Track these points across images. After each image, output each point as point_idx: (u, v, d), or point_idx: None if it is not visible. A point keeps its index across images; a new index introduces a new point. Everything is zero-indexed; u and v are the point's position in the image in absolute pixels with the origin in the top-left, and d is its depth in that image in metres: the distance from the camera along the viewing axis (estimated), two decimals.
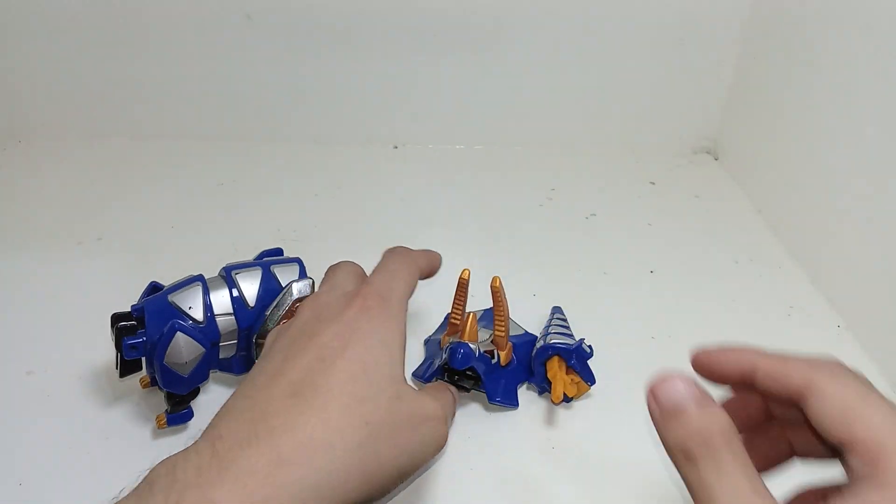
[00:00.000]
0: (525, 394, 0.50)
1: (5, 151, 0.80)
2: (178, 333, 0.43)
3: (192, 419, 0.47)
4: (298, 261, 0.48)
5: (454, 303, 0.49)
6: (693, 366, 0.32)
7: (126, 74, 0.78)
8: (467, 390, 0.49)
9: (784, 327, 0.58)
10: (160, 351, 0.42)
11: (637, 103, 0.83)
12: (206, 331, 0.44)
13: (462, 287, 0.49)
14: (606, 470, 0.46)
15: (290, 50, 0.78)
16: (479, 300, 0.54)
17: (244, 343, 0.46)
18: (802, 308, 0.61)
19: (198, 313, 0.44)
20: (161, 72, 0.79)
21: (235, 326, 0.45)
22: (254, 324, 0.46)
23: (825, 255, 0.63)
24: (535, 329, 0.54)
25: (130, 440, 0.46)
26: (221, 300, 0.45)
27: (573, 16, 0.77)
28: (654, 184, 0.79)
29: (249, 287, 0.46)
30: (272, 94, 0.81)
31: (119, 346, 0.43)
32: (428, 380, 0.49)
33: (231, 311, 0.45)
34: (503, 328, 0.48)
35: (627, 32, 0.78)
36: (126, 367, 0.45)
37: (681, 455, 0.27)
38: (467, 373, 0.48)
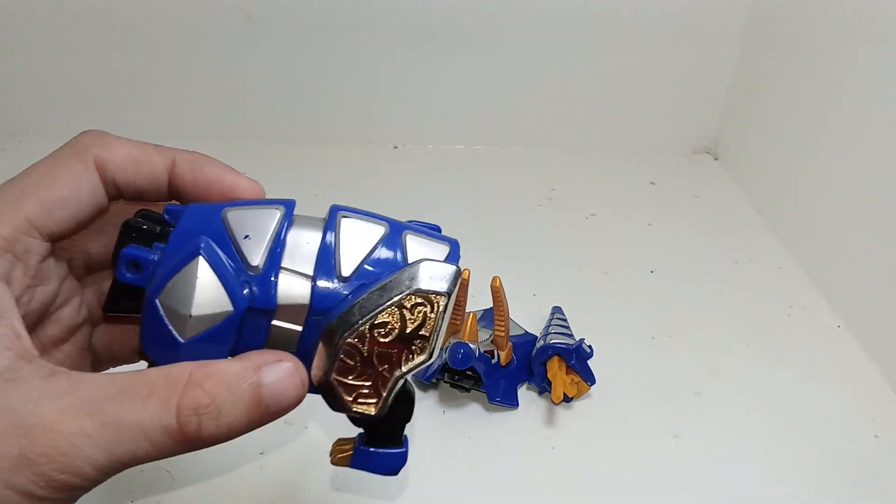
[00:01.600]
0: (525, 394, 0.50)
1: (5, 151, 0.80)
2: (201, 260, 0.26)
3: None
4: (454, 243, 0.30)
5: (454, 303, 0.49)
6: None
7: (126, 75, 0.78)
8: (467, 390, 0.49)
9: (784, 327, 0.58)
10: (159, 279, 0.27)
11: (637, 103, 0.83)
12: (256, 283, 0.27)
13: (462, 287, 0.49)
14: (606, 470, 0.45)
15: (290, 50, 0.78)
16: (479, 300, 0.54)
17: (311, 335, 0.27)
18: (802, 308, 0.61)
19: (255, 251, 0.27)
20: (161, 72, 0.79)
21: (307, 301, 0.27)
22: (336, 307, 0.27)
23: (825, 255, 0.63)
24: (535, 329, 0.54)
25: None
26: (303, 248, 0.28)
27: (573, 16, 0.77)
28: (654, 184, 0.79)
29: (355, 245, 0.28)
30: (272, 94, 0.81)
31: (115, 257, 0.28)
32: (428, 380, 0.49)
33: (310, 270, 0.27)
34: (503, 328, 0.48)
35: (627, 32, 0.78)
36: (117, 294, 0.29)
37: None
38: (467, 373, 0.48)
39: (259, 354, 0.26)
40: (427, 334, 0.27)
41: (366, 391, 0.28)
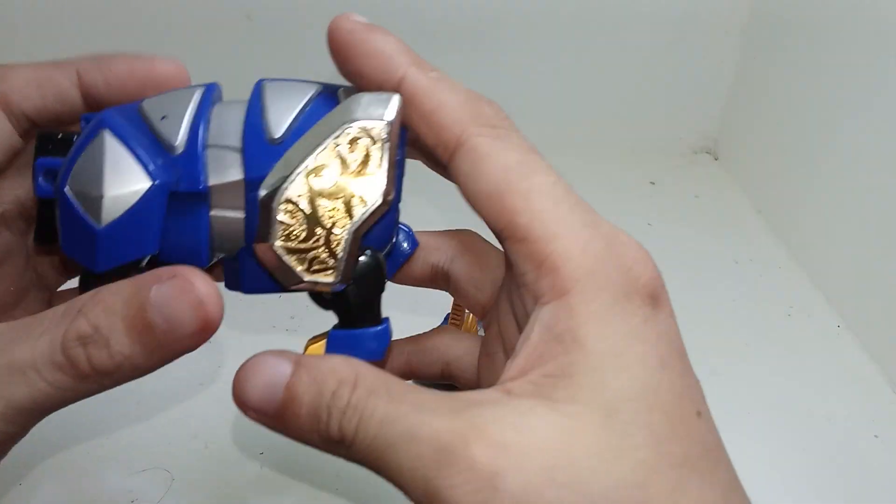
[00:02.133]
0: None
1: None
2: (106, 133, 0.23)
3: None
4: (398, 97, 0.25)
5: (454, 303, 0.49)
6: (331, 44, 0.25)
7: None
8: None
9: (784, 327, 0.58)
10: (66, 167, 0.24)
11: (637, 103, 0.83)
12: (179, 164, 0.24)
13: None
14: None
15: (290, 50, 0.78)
16: None
17: (253, 217, 0.24)
18: (802, 308, 0.61)
19: (174, 130, 0.24)
20: None
21: (241, 175, 0.24)
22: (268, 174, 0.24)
23: (825, 255, 0.63)
24: None
25: (131, 438, 0.46)
26: (229, 122, 0.25)
27: (573, 16, 0.77)
28: (654, 184, 0.79)
29: (284, 105, 0.25)
30: None
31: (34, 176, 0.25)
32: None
33: (239, 142, 0.24)
34: None
35: (627, 32, 0.78)
36: (45, 220, 0.26)
37: (326, 443, 0.22)
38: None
39: (155, 272, 0.23)
40: (373, 170, 0.23)
41: (320, 254, 0.24)
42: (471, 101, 0.24)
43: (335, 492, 0.43)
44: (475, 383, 0.31)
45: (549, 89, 0.81)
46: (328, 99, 0.25)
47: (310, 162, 0.23)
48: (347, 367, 0.22)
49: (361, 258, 0.25)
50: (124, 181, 0.23)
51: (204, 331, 0.22)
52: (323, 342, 0.26)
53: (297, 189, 0.23)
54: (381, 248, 0.26)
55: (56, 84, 0.26)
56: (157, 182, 0.23)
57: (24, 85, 0.26)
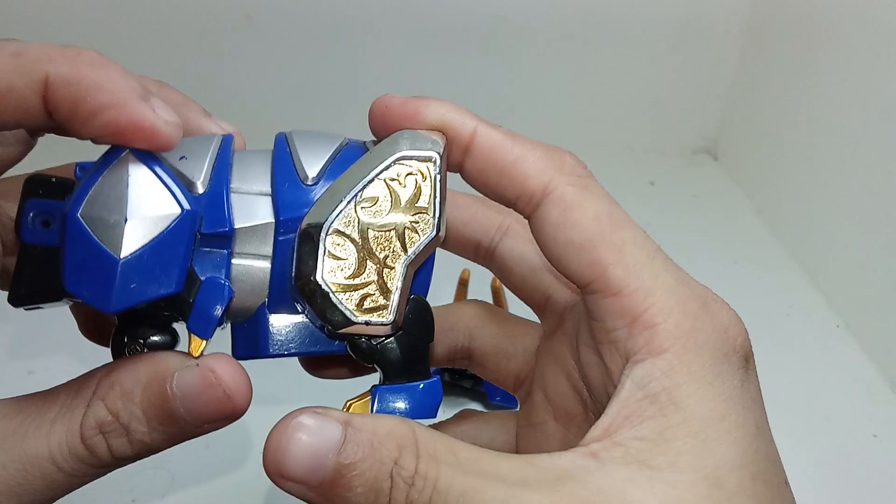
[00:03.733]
0: None
1: None
2: (130, 157, 0.21)
3: None
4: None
5: (454, 303, 0.49)
6: (378, 121, 0.23)
7: None
8: (467, 390, 0.49)
9: (784, 327, 0.58)
10: (77, 194, 0.20)
11: (637, 103, 0.83)
12: (203, 203, 0.22)
13: (462, 287, 0.49)
14: None
15: (290, 50, 0.78)
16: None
17: (285, 265, 0.22)
18: (802, 308, 0.61)
19: (196, 169, 0.22)
20: (160, 72, 0.78)
21: (270, 217, 0.22)
22: (308, 211, 0.22)
23: (825, 255, 0.63)
24: None
25: None
26: (253, 167, 0.23)
27: (573, 16, 0.77)
28: (653, 184, 0.79)
29: (315, 150, 0.23)
30: (272, 95, 0.81)
31: (18, 220, 0.22)
32: None
33: (267, 187, 0.22)
34: None
35: (627, 32, 0.78)
36: (25, 274, 0.22)
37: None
38: (467, 372, 0.48)
39: (175, 355, 0.21)
40: (426, 204, 0.22)
41: (372, 291, 0.22)
42: (551, 151, 0.23)
43: None
44: (495, 377, 0.29)
45: (548, 89, 0.81)
46: (357, 147, 0.24)
47: (359, 194, 0.22)
48: (406, 429, 0.19)
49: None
50: (152, 205, 0.20)
51: (230, 419, 0.21)
52: (366, 400, 0.23)
53: (347, 220, 0.21)
54: (424, 294, 0.24)
55: (16, 96, 0.20)
56: (188, 209, 0.20)
57: None
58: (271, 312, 0.22)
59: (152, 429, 0.21)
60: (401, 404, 0.23)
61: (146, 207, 0.20)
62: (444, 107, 0.23)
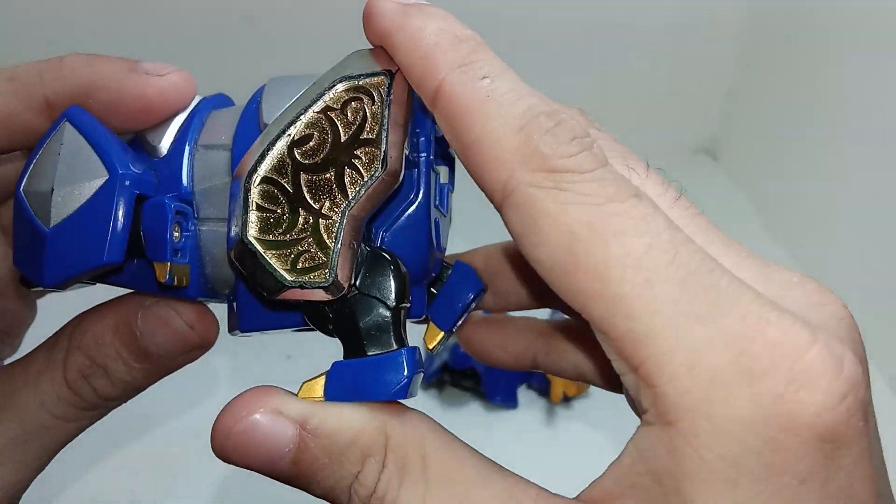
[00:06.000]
0: (525, 394, 0.50)
1: None
2: (66, 125, 0.20)
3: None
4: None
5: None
6: (368, 36, 0.19)
7: None
8: (467, 390, 0.49)
9: None
10: (25, 165, 0.20)
11: (636, 103, 0.83)
12: (157, 166, 0.20)
13: None
14: None
15: (289, 51, 0.78)
16: None
17: (231, 216, 0.19)
18: None
19: (158, 133, 0.20)
20: None
21: (229, 177, 0.20)
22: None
23: (824, 255, 0.63)
24: None
25: (131, 438, 0.46)
26: (223, 122, 0.21)
27: (572, 16, 0.77)
28: None
29: (281, 96, 0.20)
30: None
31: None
32: (428, 379, 0.49)
33: (229, 140, 0.20)
34: None
35: (627, 32, 0.78)
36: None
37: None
38: (467, 372, 0.48)
39: (134, 296, 0.22)
40: (372, 136, 0.18)
41: (308, 247, 0.18)
42: (530, 125, 0.17)
43: None
44: (602, 384, 0.27)
45: (548, 90, 0.81)
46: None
47: (293, 131, 0.18)
48: (375, 432, 0.16)
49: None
50: (79, 172, 0.19)
51: (201, 348, 0.22)
52: (321, 379, 0.18)
53: (278, 164, 0.18)
54: (423, 253, 0.20)
55: (19, 121, 0.21)
56: (121, 173, 0.18)
57: None
58: (240, 281, 0.20)
59: (130, 367, 0.22)
60: (357, 385, 0.18)
61: (73, 175, 0.19)
62: (419, 36, 0.19)
